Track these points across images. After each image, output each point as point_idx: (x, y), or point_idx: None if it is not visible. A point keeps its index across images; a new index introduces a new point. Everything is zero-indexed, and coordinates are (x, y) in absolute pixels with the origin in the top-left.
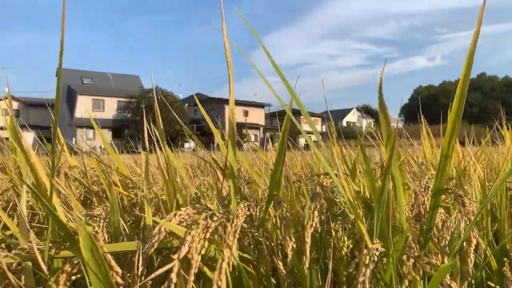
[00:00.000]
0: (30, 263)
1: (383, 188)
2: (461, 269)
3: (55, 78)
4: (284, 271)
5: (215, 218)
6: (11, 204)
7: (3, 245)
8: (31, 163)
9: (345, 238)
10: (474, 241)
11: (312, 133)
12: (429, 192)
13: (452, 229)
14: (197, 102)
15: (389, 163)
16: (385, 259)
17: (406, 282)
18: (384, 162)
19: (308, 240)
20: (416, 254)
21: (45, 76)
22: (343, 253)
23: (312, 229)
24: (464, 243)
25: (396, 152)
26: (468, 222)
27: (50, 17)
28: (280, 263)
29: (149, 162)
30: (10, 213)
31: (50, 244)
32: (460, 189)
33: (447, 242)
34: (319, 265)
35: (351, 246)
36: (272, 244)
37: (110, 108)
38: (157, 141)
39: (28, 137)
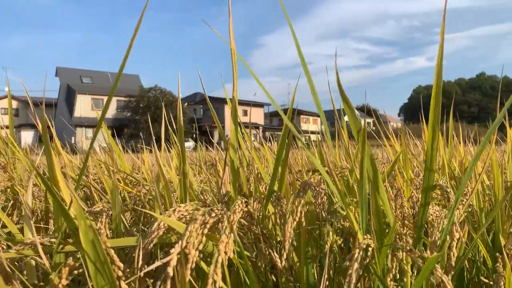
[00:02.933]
0: (32, 258)
1: (361, 183)
2: (446, 262)
3: (54, 78)
4: (282, 268)
5: (213, 214)
6: (10, 203)
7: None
8: (51, 161)
9: (331, 233)
10: (457, 235)
11: (312, 133)
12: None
13: (442, 225)
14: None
15: (362, 157)
16: (376, 254)
17: (393, 273)
18: (390, 159)
19: (288, 233)
20: (408, 248)
21: (44, 76)
22: (327, 247)
23: (295, 223)
24: (448, 237)
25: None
26: (449, 216)
27: (50, 18)
28: (278, 260)
29: (159, 160)
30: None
31: (54, 239)
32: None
33: (437, 237)
34: (317, 262)
35: (339, 242)
36: (271, 240)
37: (110, 107)
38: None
39: (28, 136)
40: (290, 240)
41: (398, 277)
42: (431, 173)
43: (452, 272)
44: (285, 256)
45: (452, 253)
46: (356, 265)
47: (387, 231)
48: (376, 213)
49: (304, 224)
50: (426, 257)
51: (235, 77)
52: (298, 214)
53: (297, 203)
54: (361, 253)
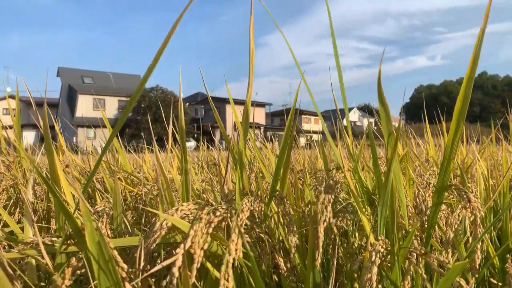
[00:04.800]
0: (33, 259)
1: (387, 182)
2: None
3: (55, 78)
4: (285, 268)
5: (217, 213)
6: (11, 201)
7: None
8: (52, 159)
9: (356, 234)
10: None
11: (314, 133)
12: (430, 189)
13: (456, 226)
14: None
15: (391, 157)
16: (390, 257)
17: (409, 278)
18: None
19: (321, 235)
20: (422, 251)
21: (45, 76)
22: (354, 248)
23: (326, 224)
24: (470, 239)
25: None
26: (473, 218)
27: (50, 17)
28: (282, 260)
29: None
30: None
31: (55, 238)
32: (463, 186)
33: (450, 239)
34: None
35: (359, 242)
36: (274, 241)
37: (111, 107)
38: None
39: (30, 136)
40: (296, 242)
41: (409, 280)
42: (446, 173)
43: (476, 275)
44: (319, 260)
45: (476, 255)
46: (375, 268)
47: (397, 233)
48: (392, 215)
49: (308, 223)
50: (442, 261)
51: (250, 82)
52: (329, 214)
53: (326, 202)
54: (378, 255)
